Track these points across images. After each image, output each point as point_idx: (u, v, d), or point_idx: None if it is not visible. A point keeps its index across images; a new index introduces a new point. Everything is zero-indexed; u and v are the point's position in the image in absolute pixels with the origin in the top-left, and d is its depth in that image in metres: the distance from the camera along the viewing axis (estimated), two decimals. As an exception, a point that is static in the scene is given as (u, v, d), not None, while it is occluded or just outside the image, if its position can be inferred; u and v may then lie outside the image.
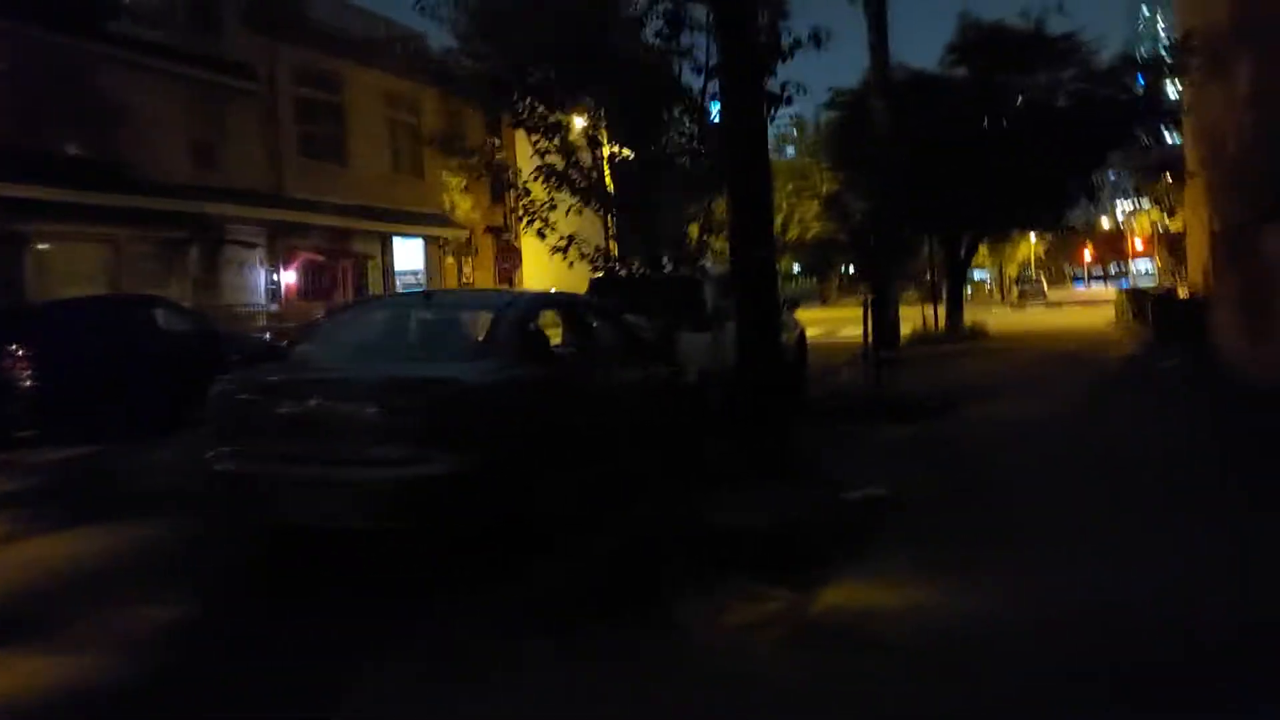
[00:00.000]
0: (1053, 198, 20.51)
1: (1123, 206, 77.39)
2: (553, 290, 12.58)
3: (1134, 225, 79.30)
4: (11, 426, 10.19)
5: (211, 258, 18.81)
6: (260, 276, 19.86)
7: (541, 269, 23.74)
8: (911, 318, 22.82)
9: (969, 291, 67.42)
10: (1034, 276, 66.15)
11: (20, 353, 10.53)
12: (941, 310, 22.87)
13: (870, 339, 11.61)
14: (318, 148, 21.49)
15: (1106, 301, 30.80)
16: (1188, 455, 7.62)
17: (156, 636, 4.66)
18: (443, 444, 5.13)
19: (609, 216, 10.58)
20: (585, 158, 10.67)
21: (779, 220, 29.02)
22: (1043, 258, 75.68)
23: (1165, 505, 6.10)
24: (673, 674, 3.97)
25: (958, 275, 23.36)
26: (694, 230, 10.21)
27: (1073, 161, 19.38)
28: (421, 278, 24.56)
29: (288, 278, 20.33)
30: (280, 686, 3.95)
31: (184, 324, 12.79)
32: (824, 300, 50.02)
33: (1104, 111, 19.15)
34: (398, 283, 23.55)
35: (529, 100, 10.41)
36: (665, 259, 9.82)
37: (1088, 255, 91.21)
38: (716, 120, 9.14)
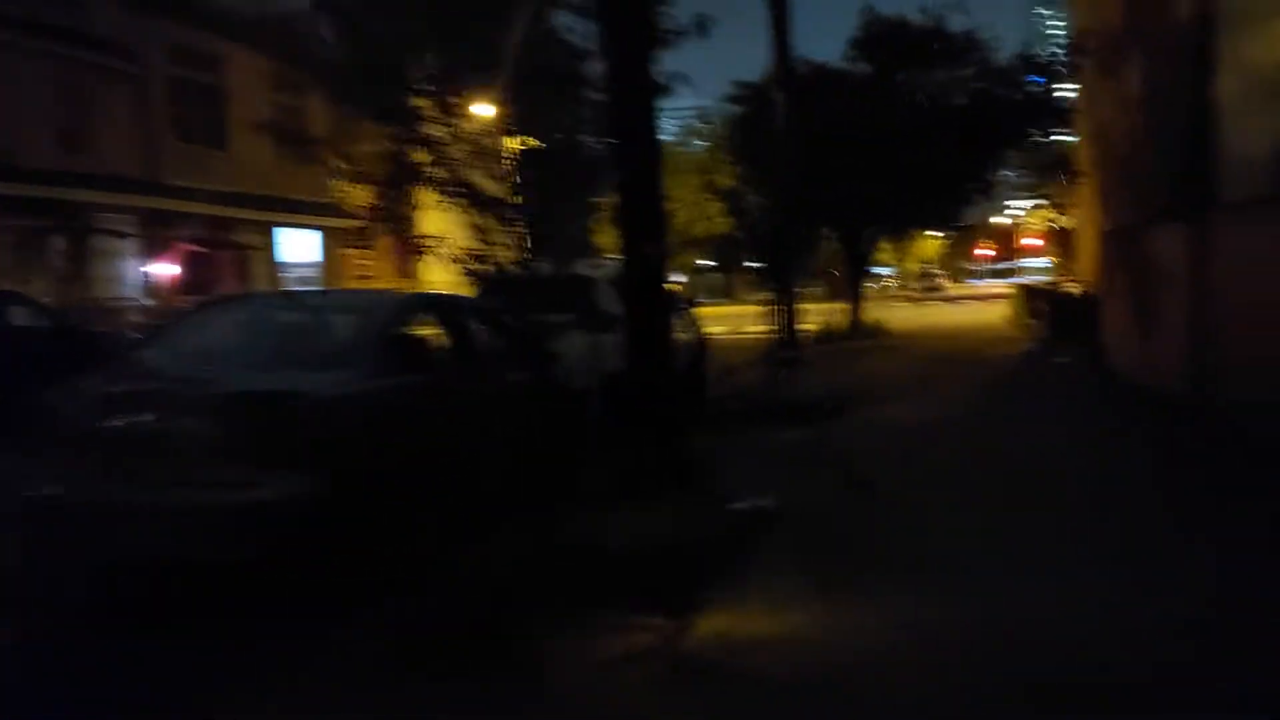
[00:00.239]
0: (951, 195, 20.74)
1: (1019, 204, 79.79)
2: (432, 290, 11.96)
3: (1029, 223, 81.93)
4: None
5: (78, 249, 17.57)
6: (133, 269, 18.67)
7: (445, 265, 23.03)
8: (816, 315, 22.84)
9: (876, 286, 68.71)
10: (935, 273, 67.77)
11: None
12: (845, 307, 22.96)
13: (770, 338, 11.38)
14: (197, 132, 20.28)
15: (1003, 297, 31.46)
16: (1081, 460, 7.53)
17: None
18: (287, 465, 4.59)
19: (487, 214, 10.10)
20: (458, 151, 10.18)
21: (684, 216, 28.88)
22: (943, 254, 77.63)
23: (1060, 516, 5.92)
24: (528, 721, 3.57)
25: (859, 272, 23.47)
26: (601, 227, 9.87)
27: (970, 159, 19.60)
28: (314, 272, 23.52)
29: (164, 270, 19.14)
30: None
31: (39, 321, 11.81)
32: (731, 296, 50.18)
33: (1001, 110, 19.40)
34: (287, 277, 22.49)
35: (417, 89, 9.88)
36: (554, 258, 9.42)
37: (986, 252, 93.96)
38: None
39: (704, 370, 12.89)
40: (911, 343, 20.03)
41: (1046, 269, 69.57)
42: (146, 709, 3.81)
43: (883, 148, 17.41)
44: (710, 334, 14.15)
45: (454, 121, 12.89)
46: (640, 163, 6.90)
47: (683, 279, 60.26)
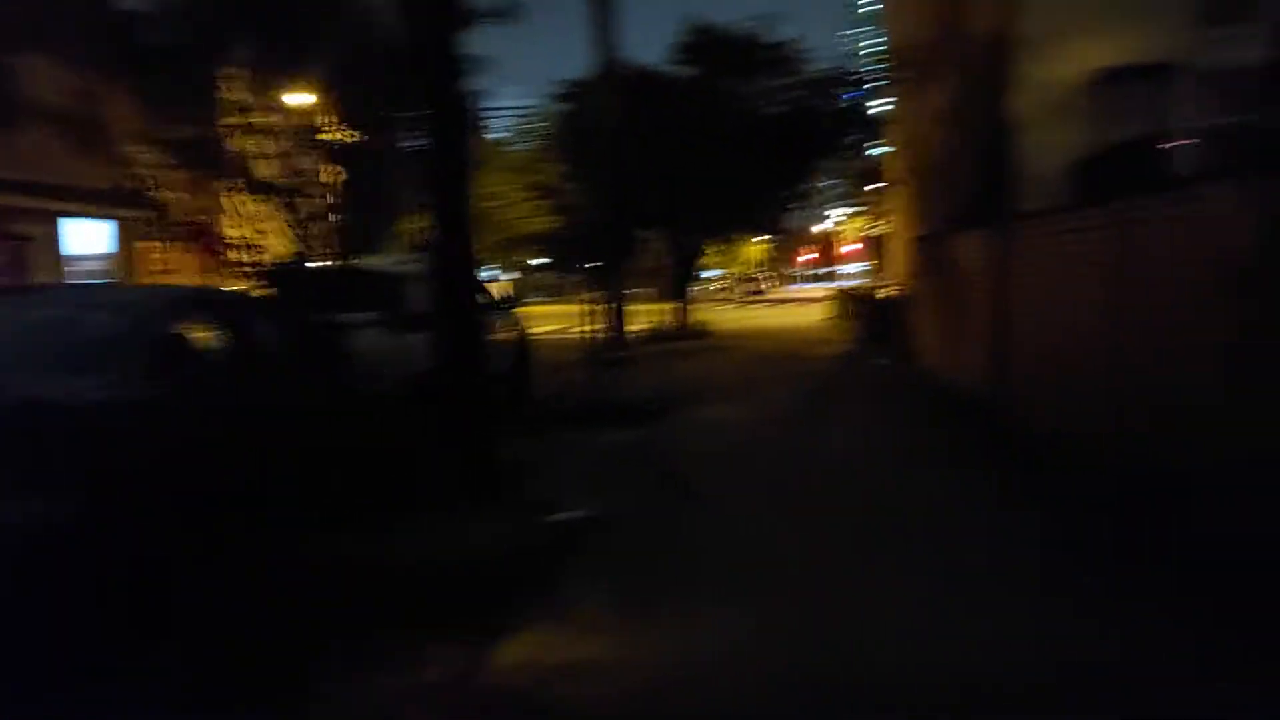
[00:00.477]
0: (770, 200, 21.23)
1: (838, 211, 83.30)
2: (216, 286, 10.99)
3: (847, 230, 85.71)
4: None
5: None
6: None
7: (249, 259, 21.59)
8: (644, 315, 22.89)
9: (704, 288, 69.91)
10: (760, 276, 69.80)
11: None
12: (673, 308, 23.14)
13: (598, 338, 11.19)
14: (-33, 112, 18.17)
15: (823, 300, 32.59)
16: (896, 463, 7.66)
17: None
18: (22, 485, 3.97)
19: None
20: (269, 142, 9.46)
21: (514, 213, 28.37)
22: (768, 258, 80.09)
23: (876, 520, 5.94)
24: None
25: (686, 273, 23.71)
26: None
27: (788, 166, 20.11)
28: (105, 265, 21.57)
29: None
30: None
31: None
32: (562, 295, 49.92)
33: (817, 120, 19.98)
34: (73, 270, 20.51)
35: (224, 72, 9.08)
36: (372, 253, 8.86)
37: (808, 257, 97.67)
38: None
39: (528, 371, 12.56)
40: (737, 343, 20.35)
41: (864, 273, 72.97)
42: None
43: (706, 152, 17.57)
44: (539, 333, 13.87)
45: (265, 109, 12.08)
46: (448, 152, 6.51)
47: (513, 277, 59.56)
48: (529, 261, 52.47)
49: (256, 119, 10.57)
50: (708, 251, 54.06)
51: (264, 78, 12.16)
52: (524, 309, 15.19)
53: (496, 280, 57.92)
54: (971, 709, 3.40)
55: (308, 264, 9.29)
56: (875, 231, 55.11)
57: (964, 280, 10.57)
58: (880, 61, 20.56)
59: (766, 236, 39.55)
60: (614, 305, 15.57)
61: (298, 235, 10.55)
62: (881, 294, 22.38)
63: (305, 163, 13.50)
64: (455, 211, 6.63)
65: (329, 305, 8.56)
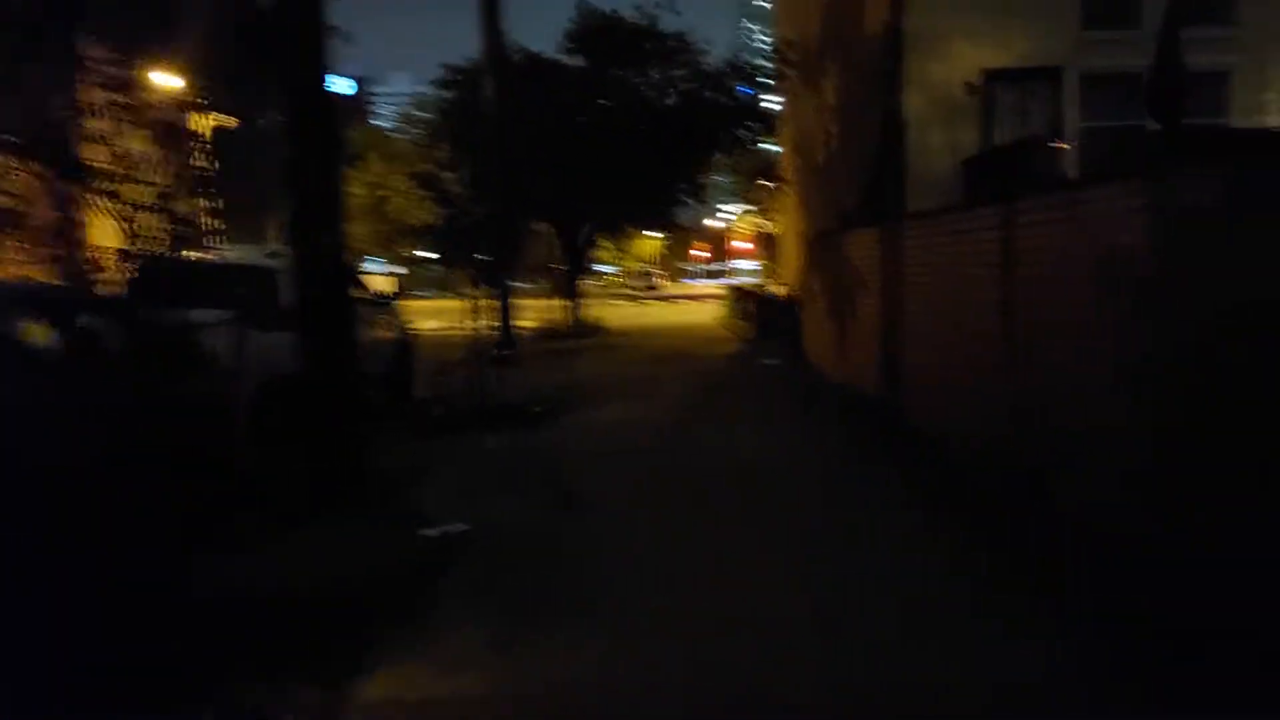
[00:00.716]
0: (662, 194, 20.98)
1: (731, 208, 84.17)
2: (37, 281, 9.91)
3: (740, 227, 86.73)
4: None
5: None
6: None
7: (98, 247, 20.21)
8: (536, 311, 22.37)
9: (599, 284, 69.53)
10: (654, 272, 69.87)
11: None
12: (565, 304, 22.67)
13: (483, 336, 10.68)
14: None
15: (716, 298, 32.68)
16: (786, 468, 7.43)
17: None
18: None
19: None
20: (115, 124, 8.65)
21: (398, 204, 27.42)
22: (662, 254, 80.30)
23: (761, 533, 5.67)
24: None
25: (577, 268, 23.27)
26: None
27: (680, 160, 19.88)
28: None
29: None
30: None
31: None
32: (451, 290, 48.83)
33: (710, 113, 19.81)
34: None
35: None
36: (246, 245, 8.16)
37: (702, 253, 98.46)
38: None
39: (410, 370, 11.96)
40: (629, 341, 20.05)
41: (757, 271, 73.85)
42: None
43: (596, 143, 17.18)
44: (426, 330, 13.22)
45: (118, 87, 11.12)
46: (313, 136, 5.96)
47: (398, 271, 57.97)
48: (417, 254, 51.22)
49: (103, 97, 9.65)
50: (602, 246, 53.79)
51: (121, 52, 11.21)
52: (411, 304, 14.53)
53: (380, 274, 56.39)
54: None
55: (169, 257, 8.52)
56: (768, 229, 55.78)
57: (855, 280, 10.49)
58: (772, 58, 20.51)
59: (660, 232, 39.40)
60: (501, 301, 15.06)
61: (124, 227, 9.71)
62: (774, 292, 22.48)
63: (141, 146, 12.49)
64: (323, 198, 6.09)
65: (190, 301, 7.87)
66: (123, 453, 4.80)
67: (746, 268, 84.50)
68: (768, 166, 26.55)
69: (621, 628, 4.13)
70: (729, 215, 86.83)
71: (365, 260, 56.01)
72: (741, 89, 20.31)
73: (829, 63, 18.00)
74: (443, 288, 49.51)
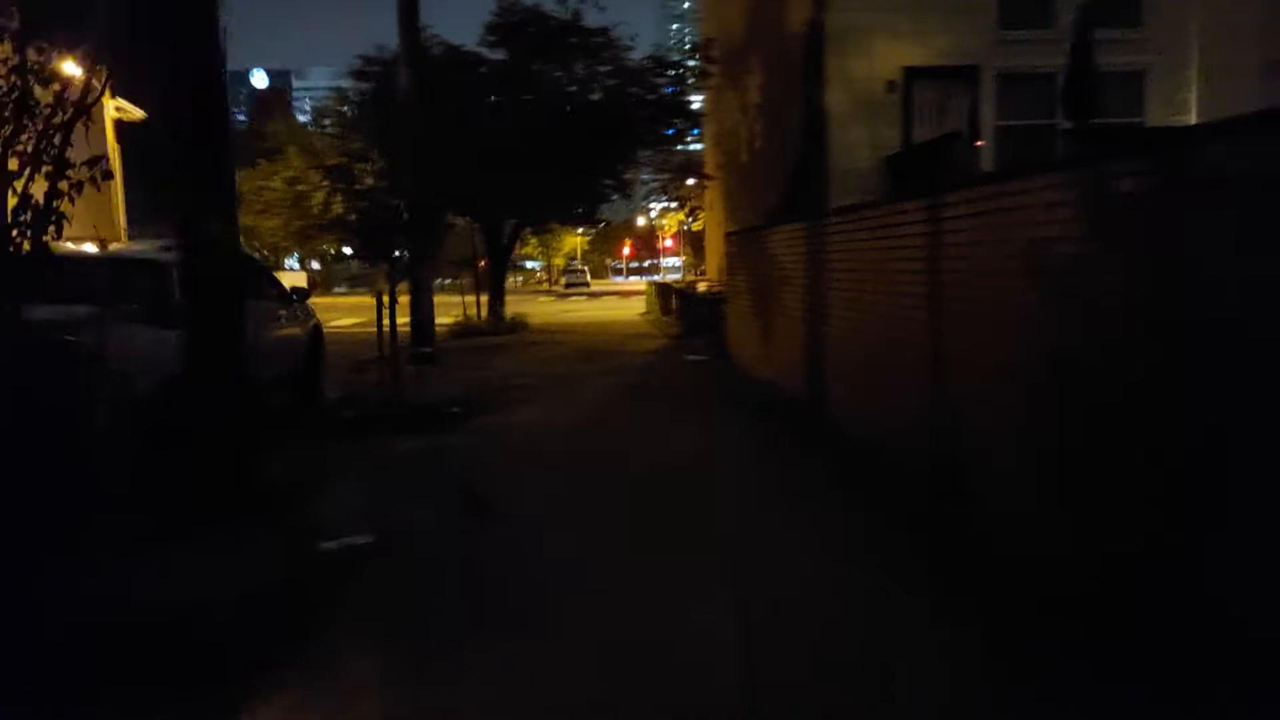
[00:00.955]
0: (586, 190, 20.70)
1: (656, 205, 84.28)
2: None
3: (665, 223, 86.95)
4: None
5: None
6: None
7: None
8: (455, 308, 21.89)
9: (520, 280, 68.88)
10: (579, 268, 69.52)
11: None
12: (487, 300, 22.24)
13: (391, 333, 10.26)
14: None
15: (642, 294, 32.50)
16: (711, 471, 7.22)
17: None
18: None
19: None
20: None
21: (319, 199, 26.62)
22: (589, 250, 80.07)
23: (688, 539, 5.44)
24: None
25: (501, 264, 22.86)
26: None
27: (605, 156, 19.63)
28: None
29: None
30: None
31: None
32: (371, 285, 47.78)
33: (635, 110, 19.60)
34: None
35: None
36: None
37: (628, 250, 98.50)
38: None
39: (320, 370, 11.48)
40: (552, 338, 19.73)
41: (683, 267, 74.10)
42: None
43: (518, 136, 16.81)
44: (342, 327, 12.80)
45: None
46: (203, 123, 5.55)
47: (316, 267, 56.67)
48: (336, 250, 50.12)
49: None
50: (529, 242, 53.22)
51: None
52: (329, 300, 14.01)
53: (297, 270, 54.97)
54: None
55: (47, 250, 7.92)
56: (694, 225, 55.95)
57: (779, 276, 10.37)
58: (696, 53, 20.37)
59: (586, 228, 39.14)
60: (419, 297, 14.60)
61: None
62: (699, 288, 22.39)
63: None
64: (212, 185, 5.67)
65: (69, 297, 7.34)
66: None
67: (675, 264, 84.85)
68: (692, 163, 26.46)
69: (528, 648, 3.86)
70: (657, 211, 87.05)
71: (287, 257, 54.72)
72: (669, 85, 20.13)
73: (752, 60, 17.96)
74: (361, 284, 48.49)
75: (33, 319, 5.76)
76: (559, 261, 72.25)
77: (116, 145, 21.74)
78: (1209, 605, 3.25)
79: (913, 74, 13.20)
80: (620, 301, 37.12)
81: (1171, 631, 3.42)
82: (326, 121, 25.99)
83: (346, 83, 18.77)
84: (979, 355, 5.17)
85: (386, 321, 10.26)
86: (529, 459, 7.61)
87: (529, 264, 79.26)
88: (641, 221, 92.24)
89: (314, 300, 11.80)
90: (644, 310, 27.81)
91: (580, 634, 3.96)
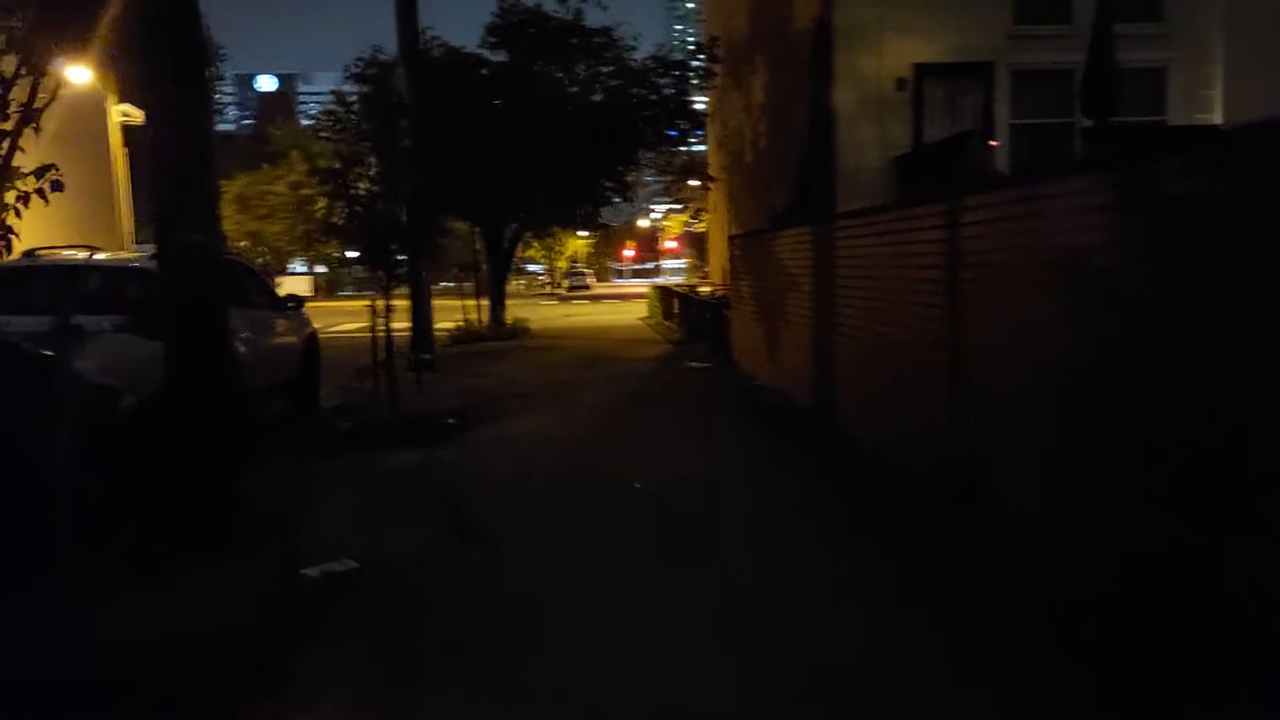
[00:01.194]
0: (589, 193, 20.37)
1: (660, 207, 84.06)
2: None
3: (669, 226, 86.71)
4: None
5: None
6: None
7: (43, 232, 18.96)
8: (456, 312, 21.56)
9: (522, 284, 68.63)
10: (582, 271, 69.24)
11: None
12: (488, 305, 21.91)
13: (389, 339, 9.93)
14: None
15: (645, 297, 32.17)
16: (719, 491, 6.88)
17: None
18: None
19: None
20: None
21: (321, 203, 26.32)
22: (591, 253, 79.78)
23: (688, 569, 5.11)
24: None
25: (502, 268, 22.53)
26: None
27: (607, 158, 19.29)
28: None
29: None
30: None
31: None
32: (375, 290, 47.52)
33: (637, 111, 19.27)
34: None
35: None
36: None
37: (631, 253, 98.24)
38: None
39: (316, 379, 11.17)
40: (553, 343, 19.41)
41: (686, 271, 73.79)
42: None
43: (519, 139, 16.48)
44: (345, 331, 12.47)
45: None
46: (179, 126, 5.23)
47: (320, 272, 56.40)
48: (341, 254, 49.96)
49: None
50: (531, 245, 52.92)
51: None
52: (333, 305, 13.66)
53: (301, 275, 54.74)
54: None
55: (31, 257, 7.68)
56: (697, 228, 55.62)
57: (785, 281, 10.04)
58: (701, 54, 20.04)
59: (588, 231, 38.84)
60: (419, 303, 14.29)
61: None
62: (702, 293, 22.07)
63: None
64: (191, 199, 5.35)
65: (51, 308, 7.04)
66: None
67: (676, 266, 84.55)
68: (696, 165, 26.12)
69: (521, 694, 3.53)
70: (661, 214, 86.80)
71: (291, 262, 54.51)
72: (671, 86, 19.78)
73: (756, 59, 17.64)
74: (366, 288, 48.27)
75: (4, 331, 5.47)
76: (562, 264, 71.96)
77: (124, 150, 21.47)
78: (1229, 605, 2.93)
79: (924, 71, 12.86)
80: (623, 305, 36.78)
81: (1191, 632, 3.10)
82: (322, 124, 25.68)
83: (350, 86, 18.41)
84: (1002, 368, 4.84)
85: (381, 328, 9.94)
86: (524, 476, 7.27)
87: (532, 267, 79.04)
88: (645, 224, 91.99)
89: (319, 305, 11.56)
90: (646, 315, 27.48)
91: (569, 687, 3.62)
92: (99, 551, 4.68)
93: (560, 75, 18.99)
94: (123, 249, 18.04)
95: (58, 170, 9.31)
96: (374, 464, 7.70)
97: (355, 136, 14.99)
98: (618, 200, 21.62)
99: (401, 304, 14.50)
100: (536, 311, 30.38)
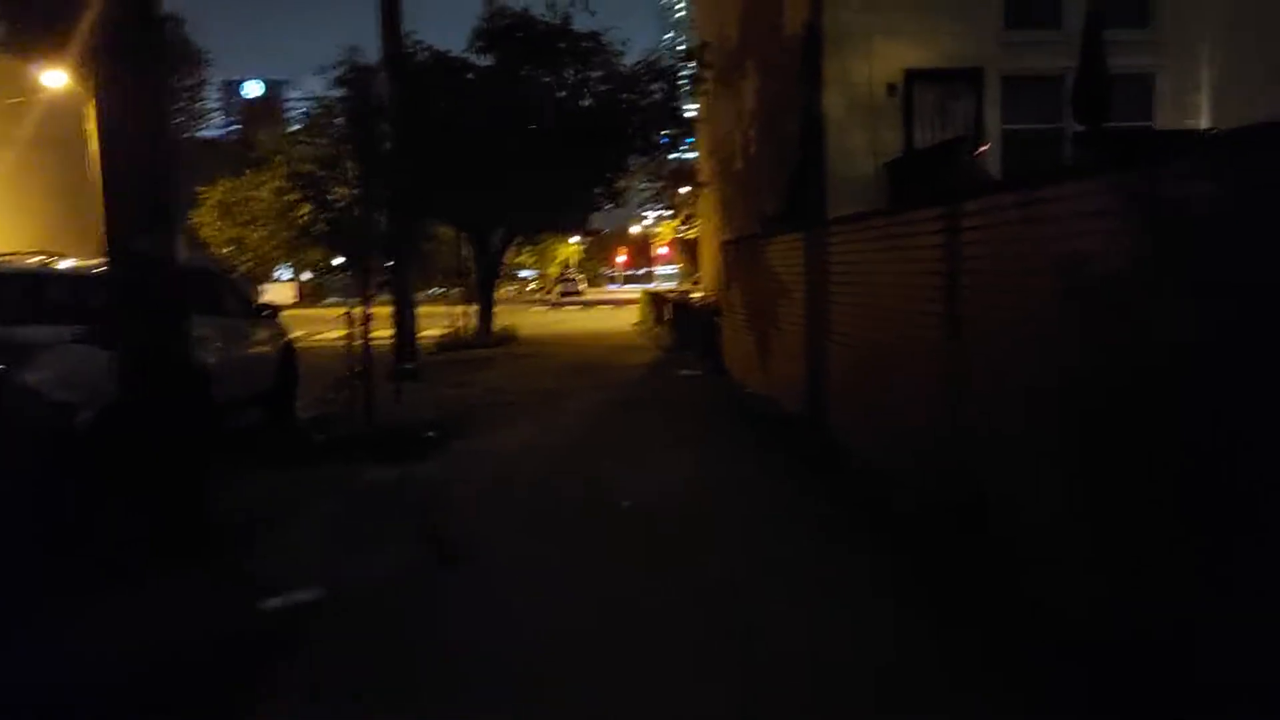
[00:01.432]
0: (576, 199, 20.10)
1: (652, 213, 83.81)
2: None
3: (660, 232, 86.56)
4: None
5: None
6: None
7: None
8: (443, 319, 21.27)
9: (519, 289, 68.21)
10: (573, 277, 68.92)
11: None
12: (476, 311, 21.61)
13: (367, 347, 9.64)
14: None
15: (636, 303, 31.91)
16: (713, 507, 6.61)
17: None
18: None
19: None
20: None
21: (305, 210, 26.02)
22: (583, 259, 79.54)
23: (677, 593, 4.85)
24: None
25: (489, 274, 22.23)
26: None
27: (596, 164, 19.05)
28: None
29: None
30: None
31: None
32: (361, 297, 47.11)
33: (627, 116, 19.03)
34: None
35: None
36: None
37: (623, 258, 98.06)
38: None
39: (292, 389, 10.90)
40: (541, 351, 19.13)
41: (677, 277, 73.54)
42: None
43: (506, 144, 16.21)
44: (331, 339, 12.09)
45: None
46: (131, 120, 4.96)
47: (306, 278, 55.93)
48: (327, 261, 49.56)
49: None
50: (521, 251, 52.60)
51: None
52: (318, 312, 13.35)
53: (286, 281, 54.30)
54: None
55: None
56: (688, 234, 55.42)
57: (777, 288, 9.79)
58: (691, 59, 19.82)
59: (579, 236, 38.54)
60: (402, 310, 14.01)
61: None
62: (693, 299, 21.81)
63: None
64: (146, 194, 5.08)
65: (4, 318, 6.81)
66: None
67: (668, 272, 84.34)
68: (686, 171, 25.91)
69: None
70: (652, 220, 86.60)
71: (277, 269, 54.04)
72: (662, 91, 19.55)
73: (747, 65, 17.44)
74: (352, 295, 47.87)
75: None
76: (553, 271, 71.69)
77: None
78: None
79: (914, 76, 12.65)
80: (614, 311, 36.48)
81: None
82: (300, 129, 25.35)
83: (337, 90, 18.10)
84: (1000, 376, 4.60)
85: (360, 336, 9.65)
86: (506, 494, 6.98)
87: (523, 273, 78.71)
88: (636, 230, 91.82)
89: (304, 312, 11.23)
90: (637, 321, 27.22)
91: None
92: (55, 570, 4.41)
93: (548, 80, 18.73)
94: (101, 254, 17.76)
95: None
96: (350, 478, 7.42)
97: (334, 140, 14.70)
98: (608, 206, 21.36)
99: (386, 311, 14.28)
100: (526, 318, 30.10)
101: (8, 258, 8.14)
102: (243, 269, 39.77)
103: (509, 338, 21.18)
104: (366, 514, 6.40)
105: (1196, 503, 3.17)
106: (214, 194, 42.72)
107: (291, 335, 11.59)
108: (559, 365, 16.05)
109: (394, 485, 7.21)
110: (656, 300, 25.03)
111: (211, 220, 45.06)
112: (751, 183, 17.28)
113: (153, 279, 5.03)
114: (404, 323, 14.03)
